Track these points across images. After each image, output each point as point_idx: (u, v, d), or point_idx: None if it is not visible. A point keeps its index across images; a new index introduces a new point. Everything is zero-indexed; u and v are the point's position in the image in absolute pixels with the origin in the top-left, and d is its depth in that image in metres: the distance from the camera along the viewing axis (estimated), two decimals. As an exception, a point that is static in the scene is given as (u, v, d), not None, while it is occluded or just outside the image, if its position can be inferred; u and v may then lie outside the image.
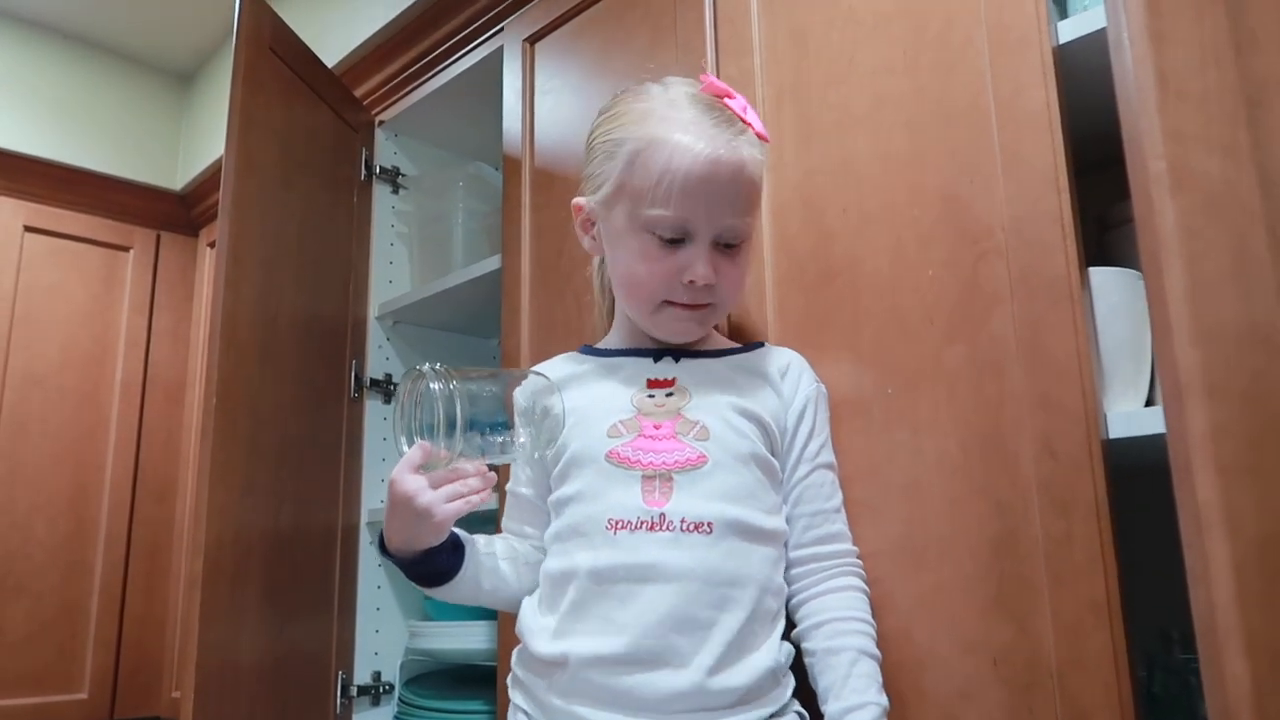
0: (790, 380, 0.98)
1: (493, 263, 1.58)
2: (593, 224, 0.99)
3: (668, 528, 0.87)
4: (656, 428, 0.91)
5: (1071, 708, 0.81)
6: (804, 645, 0.91)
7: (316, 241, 1.71)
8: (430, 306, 1.79)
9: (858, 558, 0.95)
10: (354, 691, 1.65)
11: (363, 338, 1.81)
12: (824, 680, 0.88)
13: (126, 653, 2.24)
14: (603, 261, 1.05)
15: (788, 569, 0.93)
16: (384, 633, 1.72)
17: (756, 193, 0.93)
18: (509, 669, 0.95)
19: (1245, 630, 0.46)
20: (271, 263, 1.55)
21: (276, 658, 1.49)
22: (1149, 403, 0.90)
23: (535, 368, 1.00)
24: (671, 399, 0.94)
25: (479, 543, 0.95)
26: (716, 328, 1.05)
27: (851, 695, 0.85)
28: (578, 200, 1.00)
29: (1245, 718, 0.45)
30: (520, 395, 0.89)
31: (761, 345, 1.03)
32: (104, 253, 2.43)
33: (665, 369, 0.97)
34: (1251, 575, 0.46)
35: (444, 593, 0.93)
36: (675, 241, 0.91)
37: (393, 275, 1.89)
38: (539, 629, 0.90)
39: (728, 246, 0.92)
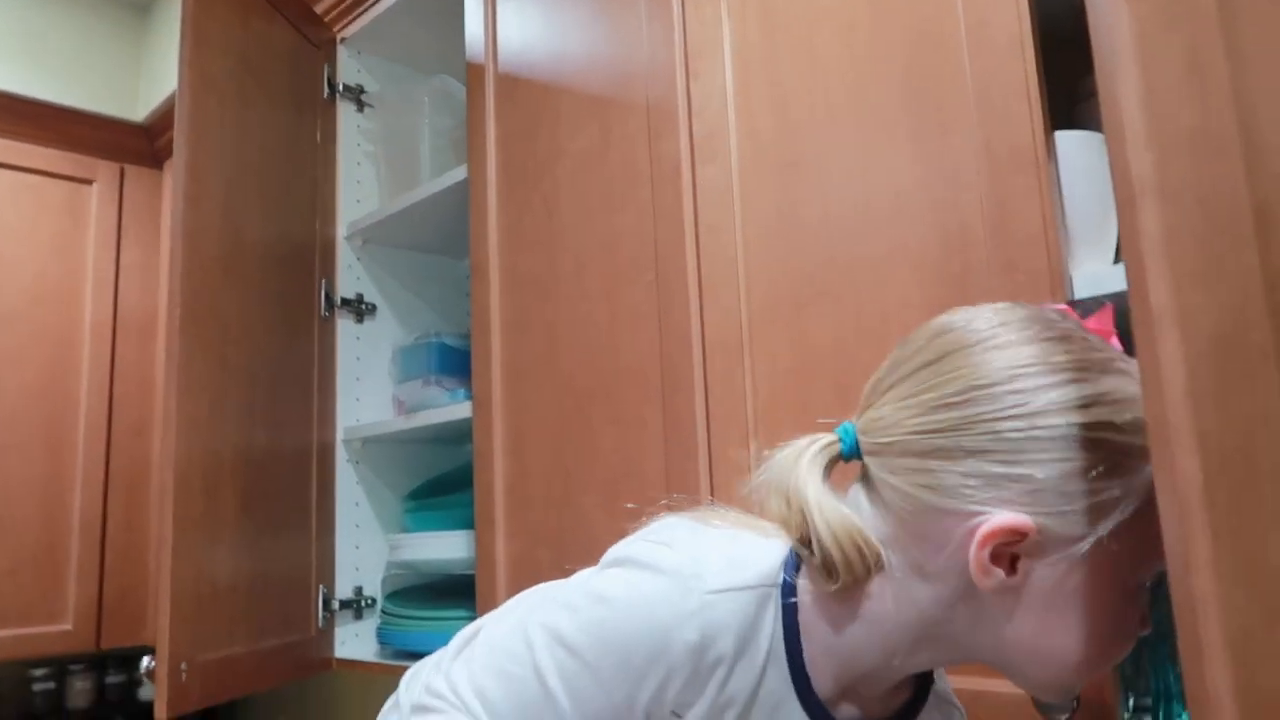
0: None
1: (459, 173, 1.56)
2: (1022, 561, 0.58)
3: None
4: None
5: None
6: None
7: (281, 161, 1.68)
8: (400, 225, 1.77)
9: None
10: (336, 606, 1.66)
11: (332, 258, 1.79)
12: None
13: (109, 585, 2.24)
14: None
15: None
16: (364, 548, 1.73)
17: None
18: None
19: (1197, 429, 0.46)
20: (233, 181, 1.52)
21: (255, 572, 1.49)
22: (1116, 262, 0.90)
23: (728, 623, 0.63)
24: None
25: None
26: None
27: None
28: (1023, 521, 0.56)
29: (1196, 511, 0.45)
30: None
31: (928, 692, 0.71)
32: (67, 186, 2.38)
33: None
34: (1204, 375, 0.46)
35: None
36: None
37: (360, 195, 1.86)
38: None
39: None
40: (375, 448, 1.77)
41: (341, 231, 1.81)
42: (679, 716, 0.64)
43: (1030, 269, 0.85)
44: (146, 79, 2.58)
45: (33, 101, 2.37)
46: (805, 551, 0.64)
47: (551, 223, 1.34)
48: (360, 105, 1.90)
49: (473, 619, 1.48)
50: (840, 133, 1.02)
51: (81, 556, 2.21)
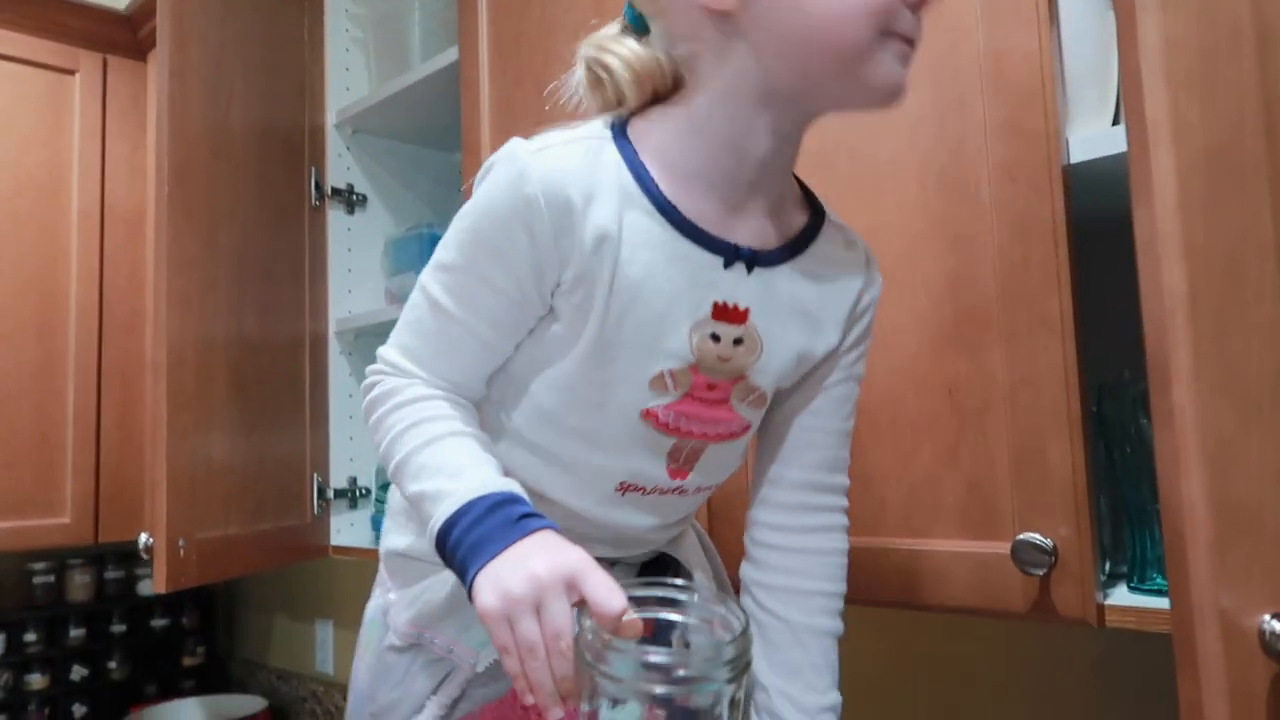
0: (867, 289, 0.77)
1: (451, 54, 1.52)
2: None
3: (679, 493, 0.76)
4: (711, 389, 0.70)
5: (1022, 426, 0.83)
6: (770, 603, 0.77)
7: (267, 46, 1.63)
8: (390, 112, 1.73)
9: (847, 494, 0.81)
10: (330, 495, 1.68)
11: (321, 146, 1.76)
12: (793, 655, 0.76)
13: (106, 479, 2.25)
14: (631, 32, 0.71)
15: (771, 484, 0.79)
16: (358, 439, 1.74)
17: None
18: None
19: (1185, 239, 0.45)
20: (219, 61, 1.49)
21: (250, 458, 1.50)
22: (1115, 124, 0.89)
23: (564, 169, 0.66)
24: (739, 352, 0.70)
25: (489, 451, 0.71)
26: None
27: (828, 690, 0.76)
28: None
29: (1179, 324, 0.45)
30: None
31: (823, 220, 0.76)
32: (49, 76, 2.32)
33: (736, 284, 0.69)
34: (1195, 185, 0.46)
35: None
36: None
37: (350, 82, 1.82)
38: None
39: None
40: (368, 339, 1.76)
41: (331, 119, 1.78)
42: (572, 295, 0.67)
43: (1028, 129, 0.84)
44: (128, -33, 2.50)
45: (11, -13, 2.30)
46: (627, 99, 0.70)
47: (545, 100, 1.32)
48: (348, -11, 1.84)
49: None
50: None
51: (76, 450, 2.22)
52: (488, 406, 0.75)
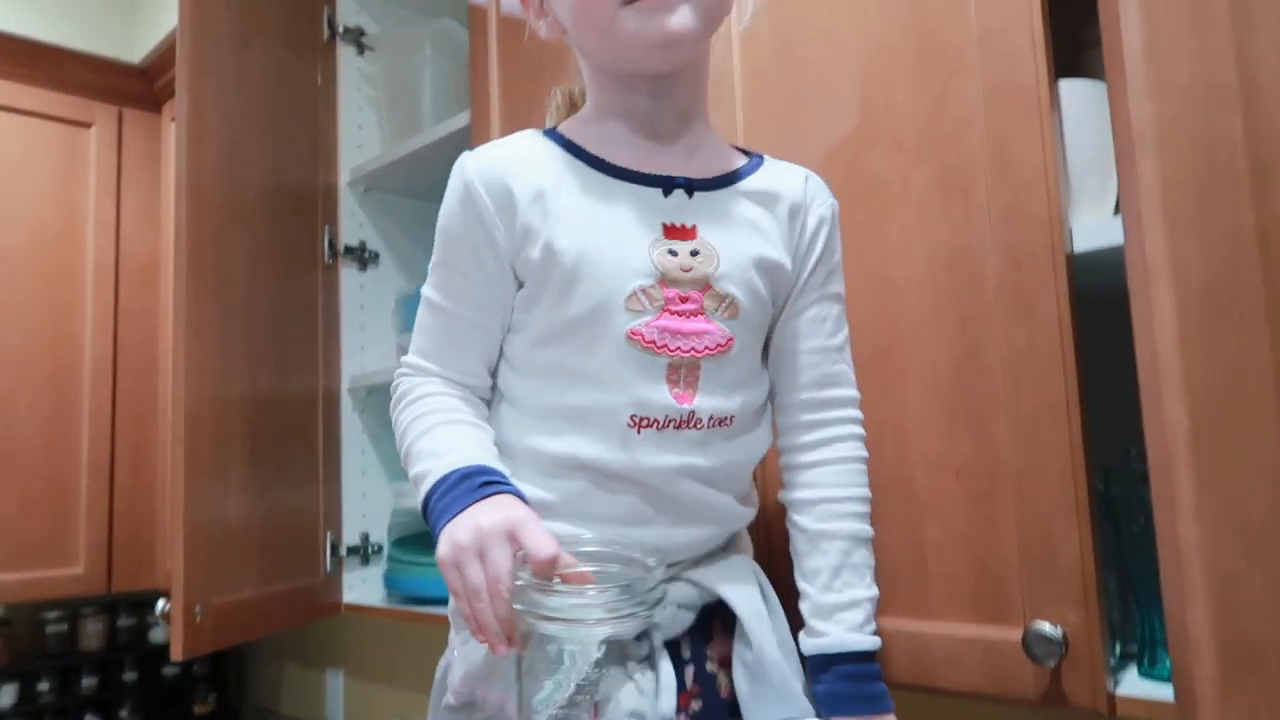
0: (803, 208, 0.85)
1: (462, 119, 1.55)
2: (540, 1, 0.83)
3: (695, 425, 0.77)
4: (683, 300, 0.76)
5: (1029, 511, 0.84)
6: (794, 516, 0.85)
7: (281, 105, 1.66)
8: (401, 171, 1.76)
9: (858, 406, 0.87)
10: (344, 552, 1.69)
11: (334, 204, 1.79)
12: (811, 562, 0.82)
13: (119, 528, 2.27)
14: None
15: (780, 413, 0.86)
16: (370, 496, 1.75)
17: None
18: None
19: (1185, 375, 0.47)
20: (235, 123, 1.51)
21: (263, 517, 1.52)
22: (1116, 214, 0.91)
23: (495, 157, 0.80)
24: (698, 261, 0.77)
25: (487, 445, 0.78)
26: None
27: (844, 589, 0.81)
28: None
29: (1183, 458, 0.46)
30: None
31: (762, 161, 0.87)
32: (65, 129, 2.36)
33: (680, 208, 0.79)
34: (1194, 322, 0.47)
35: None
36: None
37: (362, 140, 1.85)
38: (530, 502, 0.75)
39: None
40: (380, 396, 1.78)
41: (344, 178, 1.81)
42: (530, 252, 0.77)
43: (1032, 216, 0.85)
44: (142, 19, 2.55)
45: (28, 41, 2.34)
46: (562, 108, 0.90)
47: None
48: (360, 48, 1.87)
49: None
50: (844, 65, 1.01)
51: (90, 500, 2.24)
52: (498, 399, 0.83)
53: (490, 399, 0.85)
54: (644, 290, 0.75)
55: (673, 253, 0.77)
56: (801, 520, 0.84)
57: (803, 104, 1.05)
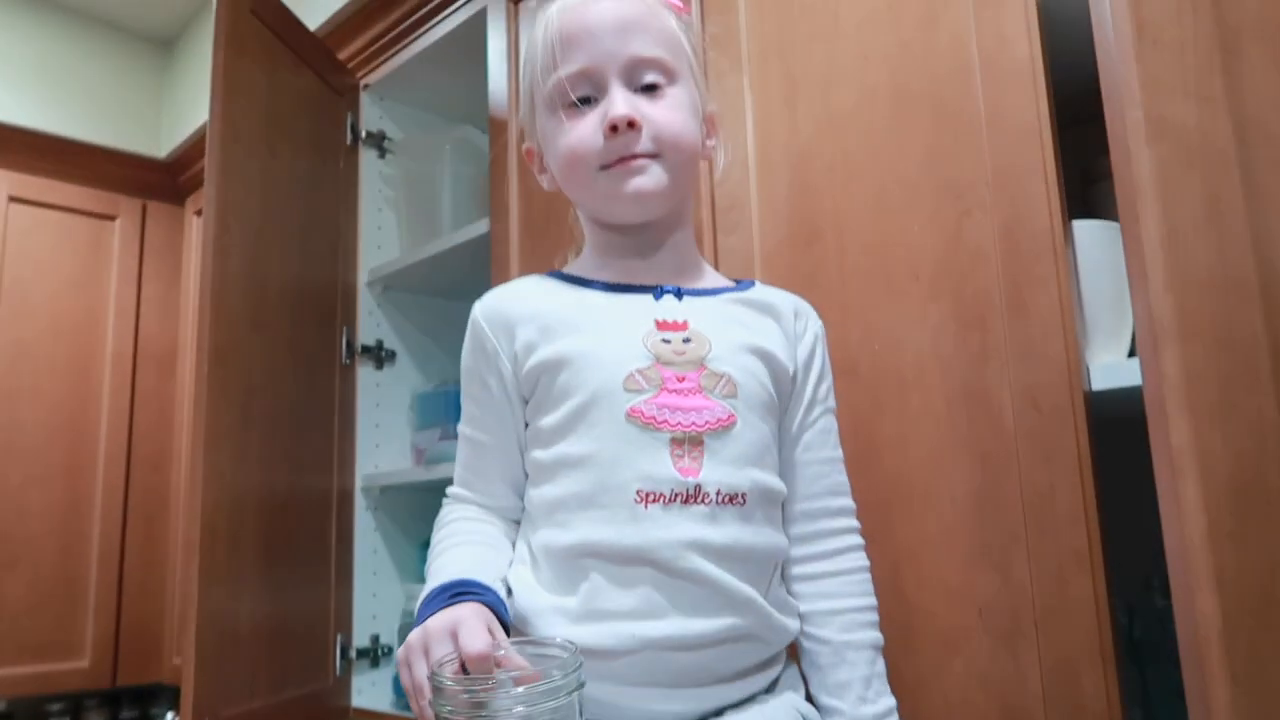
0: (801, 317, 0.90)
1: (481, 226, 1.58)
2: (541, 157, 0.91)
3: (704, 500, 0.77)
4: (680, 380, 0.80)
5: (1054, 654, 0.83)
6: (813, 630, 0.84)
7: (304, 207, 1.70)
8: (419, 272, 1.79)
9: (854, 515, 0.89)
10: (353, 654, 1.67)
11: (353, 304, 1.81)
12: (839, 675, 0.82)
13: (126, 621, 2.26)
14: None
15: (790, 523, 0.86)
16: (380, 596, 1.74)
17: (663, 31, 0.84)
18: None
19: (1216, 569, 0.47)
20: (259, 229, 1.55)
21: (275, 622, 1.50)
22: (1131, 354, 0.91)
23: (498, 294, 0.88)
24: (691, 346, 0.82)
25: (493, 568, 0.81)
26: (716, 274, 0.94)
27: (877, 698, 0.82)
28: (526, 145, 0.93)
29: (1215, 653, 0.46)
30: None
31: (753, 284, 0.93)
32: (90, 222, 2.42)
33: (670, 308, 0.85)
34: (1223, 515, 0.47)
35: None
36: (586, 101, 0.83)
37: (381, 241, 1.89)
38: (550, 610, 0.78)
39: (648, 89, 0.83)
40: (393, 495, 1.78)
41: (363, 278, 1.84)
42: (530, 365, 0.83)
43: (1048, 356, 0.86)
44: (169, 116, 2.62)
45: (57, 138, 2.41)
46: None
47: (572, 281, 1.36)
48: (382, 152, 1.92)
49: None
50: (859, 199, 1.04)
51: (99, 591, 2.23)
52: (525, 515, 0.86)
53: (520, 519, 0.88)
54: (641, 372, 0.80)
55: (666, 340, 0.82)
56: (823, 633, 0.83)
57: (819, 232, 1.07)
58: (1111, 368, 0.85)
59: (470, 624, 0.68)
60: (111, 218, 2.46)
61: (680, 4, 0.89)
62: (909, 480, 0.96)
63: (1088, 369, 0.86)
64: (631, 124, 0.80)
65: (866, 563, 0.87)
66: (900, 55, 1.02)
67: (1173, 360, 0.51)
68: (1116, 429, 0.93)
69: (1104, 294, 0.89)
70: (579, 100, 0.83)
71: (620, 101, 0.81)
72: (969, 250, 0.94)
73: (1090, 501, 0.82)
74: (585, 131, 0.82)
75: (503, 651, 0.66)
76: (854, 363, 1.01)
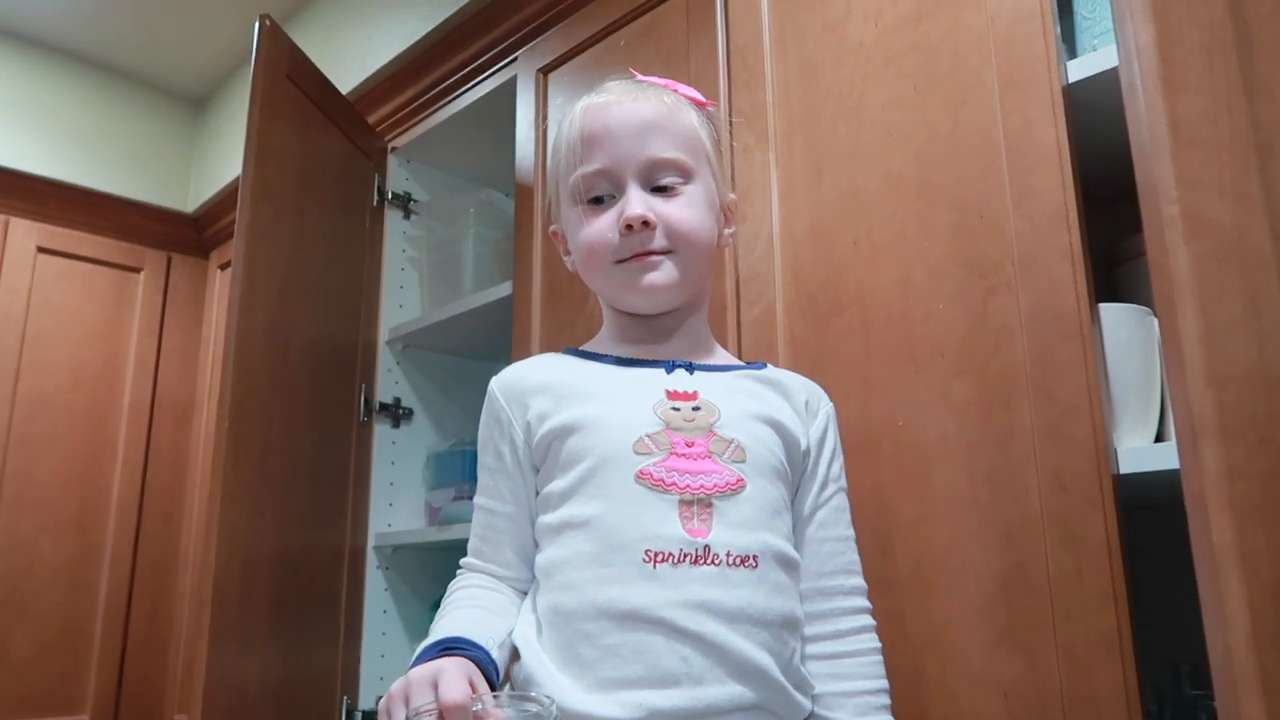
0: (812, 398, 0.92)
1: (504, 289, 1.60)
2: (565, 240, 0.94)
3: (713, 561, 0.77)
4: (689, 445, 0.82)
5: (1082, 742, 0.82)
6: (826, 711, 0.82)
7: (329, 266, 1.72)
8: (440, 331, 1.81)
9: (866, 595, 0.88)
10: (359, 717, 1.65)
11: (372, 362, 1.82)
12: None
13: (129, 674, 2.23)
14: None
15: (802, 599, 0.85)
16: (389, 657, 1.72)
17: (681, 131, 0.88)
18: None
19: (1261, 671, 0.46)
20: (285, 288, 1.56)
21: (282, 682, 1.49)
22: (1159, 438, 0.91)
23: (515, 369, 0.91)
24: (700, 414, 0.84)
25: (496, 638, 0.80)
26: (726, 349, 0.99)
27: None
28: (552, 227, 0.97)
29: (1261, 758, 0.45)
30: None
31: (765, 365, 0.95)
32: (115, 274, 2.45)
33: (682, 381, 0.87)
34: (1267, 616, 0.47)
35: None
36: (603, 200, 0.87)
37: (403, 300, 1.90)
38: (556, 676, 0.77)
39: (662, 190, 0.86)
40: (406, 554, 1.77)
41: (383, 336, 1.85)
42: (541, 433, 0.85)
43: (1075, 438, 0.86)
44: (198, 171, 2.67)
45: (86, 191, 2.46)
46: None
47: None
48: (407, 212, 1.95)
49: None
50: (883, 274, 1.04)
51: (104, 645, 2.21)
52: (532, 587, 0.86)
53: (529, 589, 0.87)
54: (650, 436, 0.82)
55: (675, 408, 0.84)
56: (837, 715, 0.82)
57: (844, 306, 1.07)
58: (1140, 452, 0.85)
59: (450, 674, 0.69)
60: (137, 269, 2.49)
61: (703, 99, 0.92)
62: (932, 559, 0.95)
63: (1115, 452, 0.86)
64: (646, 223, 0.85)
65: (879, 644, 0.86)
66: (926, 137, 1.04)
67: (1214, 456, 0.50)
68: (1144, 513, 0.92)
69: (1131, 377, 0.89)
70: (598, 198, 0.87)
71: (636, 201, 0.85)
72: (994, 329, 0.94)
73: (1120, 585, 0.81)
74: (603, 227, 0.86)
75: (480, 706, 0.67)
76: (876, 439, 1.01)
